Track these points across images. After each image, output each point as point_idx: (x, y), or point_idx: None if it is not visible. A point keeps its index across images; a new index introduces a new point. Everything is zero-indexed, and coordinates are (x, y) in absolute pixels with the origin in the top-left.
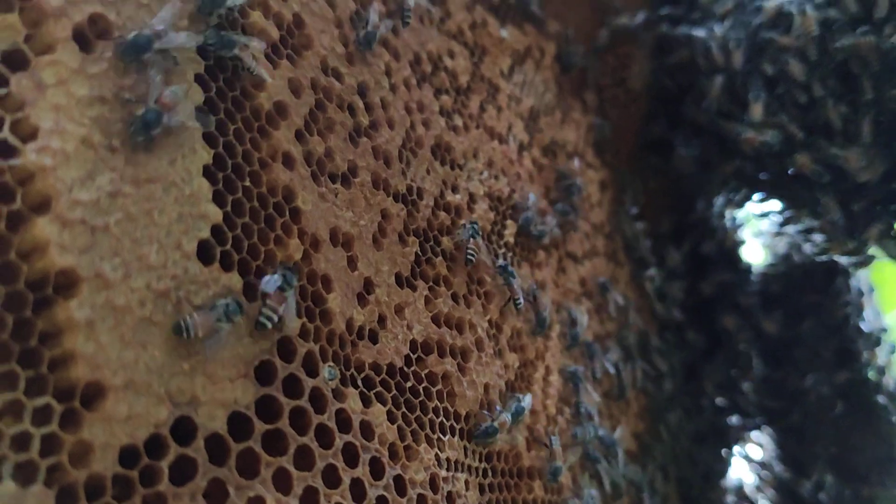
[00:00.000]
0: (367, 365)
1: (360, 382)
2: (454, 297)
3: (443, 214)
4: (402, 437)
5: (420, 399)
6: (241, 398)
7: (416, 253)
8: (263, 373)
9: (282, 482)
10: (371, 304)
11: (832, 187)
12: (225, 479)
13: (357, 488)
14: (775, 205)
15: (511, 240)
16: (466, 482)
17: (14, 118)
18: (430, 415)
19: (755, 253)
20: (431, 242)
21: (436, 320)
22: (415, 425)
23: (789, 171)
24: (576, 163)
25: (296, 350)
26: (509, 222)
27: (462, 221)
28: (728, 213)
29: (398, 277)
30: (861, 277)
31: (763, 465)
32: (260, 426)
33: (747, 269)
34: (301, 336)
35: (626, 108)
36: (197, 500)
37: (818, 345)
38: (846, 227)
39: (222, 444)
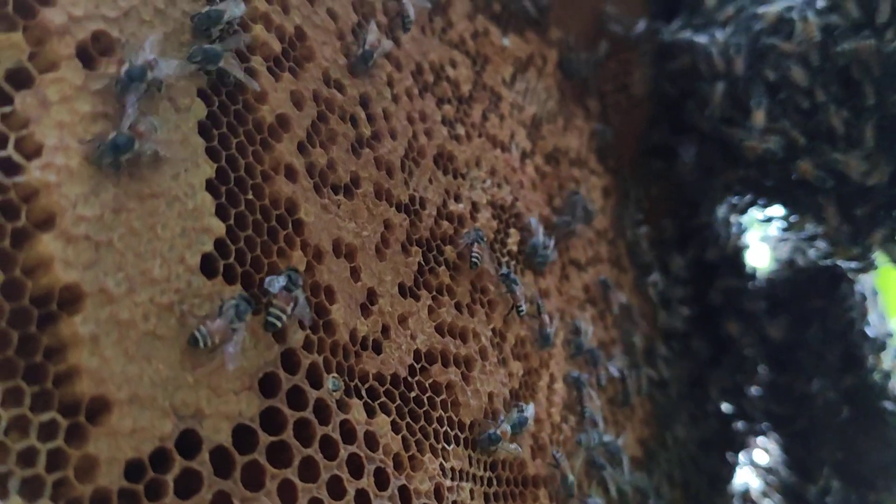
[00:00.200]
0: (371, 375)
1: (364, 393)
2: (457, 307)
3: (445, 224)
4: (406, 448)
5: (424, 409)
6: (245, 410)
7: (419, 263)
8: (268, 385)
9: (287, 494)
10: (374, 314)
11: (835, 192)
12: (230, 492)
13: (362, 499)
14: (778, 210)
15: (514, 248)
16: (471, 491)
17: (18, 135)
18: (435, 424)
19: (760, 257)
20: (434, 252)
21: (439, 330)
22: (419, 435)
23: (792, 177)
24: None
25: (300, 362)
26: (512, 230)
27: (465, 230)
28: (732, 219)
29: (401, 287)
30: (865, 282)
31: (769, 470)
32: (265, 438)
33: (752, 274)
34: (305, 347)
35: (629, 113)
36: None
37: (823, 349)
38: (850, 233)
39: (227, 456)
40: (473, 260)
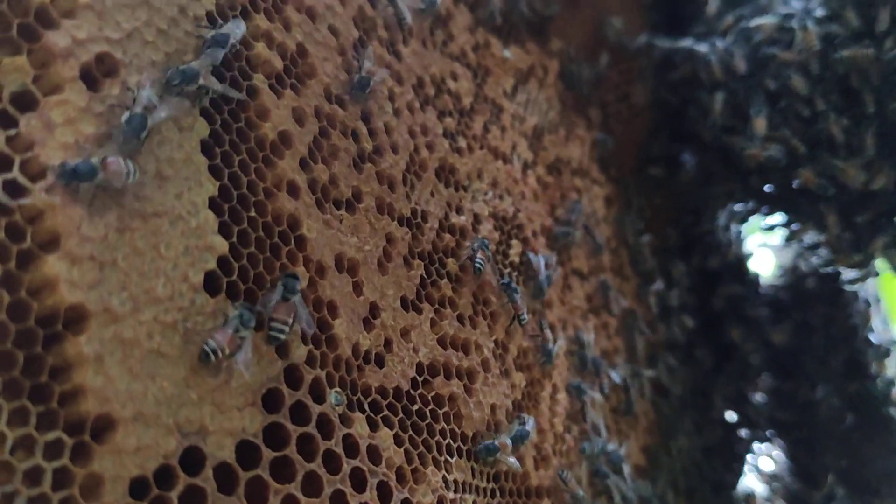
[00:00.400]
0: (373, 389)
1: (366, 407)
2: (460, 319)
3: (447, 236)
4: (409, 461)
5: (427, 421)
6: (248, 426)
7: (421, 276)
8: (271, 400)
9: None
10: (377, 328)
11: (836, 200)
12: None
13: None
14: (780, 218)
15: (516, 259)
16: (474, 503)
17: (24, 157)
18: (437, 437)
19: (763, 264)
20: (436, 265)
21: (442, 342)
22: (422, 448)
23: (794, 185)
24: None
25: (302, 377)
26: (514, 241)
27: (466, 243)
28: (734, 227)
29: (404, 301)
30: (868, 288)
31: (774, 476)
32: (268, 454)
33: (755, 281)
34: (307, 363)
35: (631, 122)
36: None
37: (827, 356)
38: (852, 240)
39: (231, 472)
40: (477, 265)
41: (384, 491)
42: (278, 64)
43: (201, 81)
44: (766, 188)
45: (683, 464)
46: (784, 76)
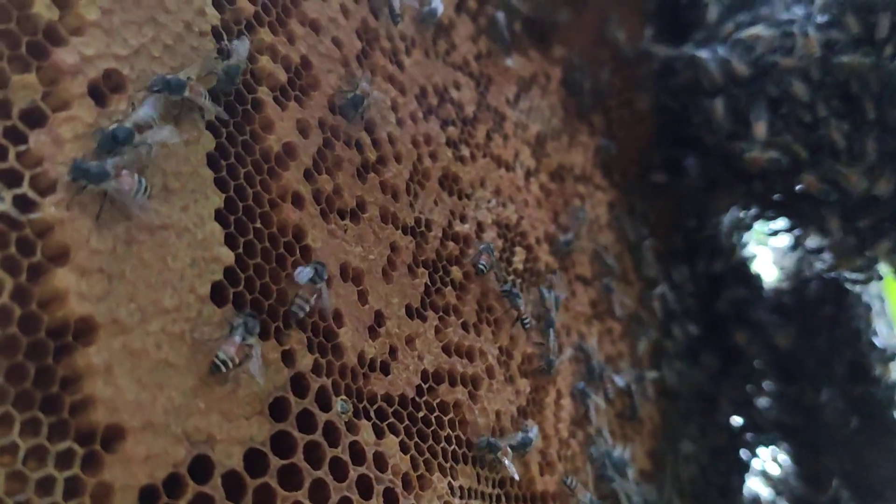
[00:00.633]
0: (379, 396)
1: (372, 414)
2: (464, 326)
3: (451, 244)
4: (415, 467)
5: (432, 428)
6: (256, 435)
7: (425, 284)
8: (278, 409)
9: None
10: (382, 336)
11: (839, 205)
12: None
13: None
14: (783, 223)
15: (520, 266)
16: None
17: (33, 173)
18: (443, 443)
19: (767, 268)
20: (441, 273)
21: (446, 349)
22: (427, 454)
23: (796, 190)
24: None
25: (309, 385)
26: (518, 249)
27: (471, 250)
28: (736, 230)
29: (408, 309)
30: (872, 292)
31: (779, 480)
32: (275, 462)
33: (759, 284)
34: (314, 371)
35: (634, 128)
36: None
37: (832, 359)
38: (854, 244)
39: (239, 480)
40: (480, 267)
41: (390, 498)
42: (282, 76)
43: (187, 94)
44: (769, 193)
45: (689, 468)
46: (785, 82)
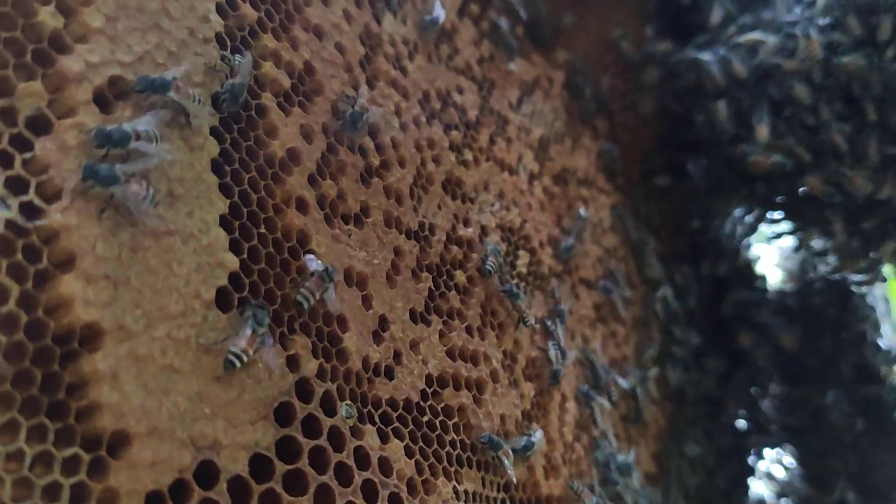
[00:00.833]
0: (383, 401)
1: (377, 419)
2: (468, 330)
3: (455, 248)
4: (419, 472)
5: (437, 433)
6: (261, 440)
7: (429, 288)
8: (283, 414)
9: None
10: (386, 340)
11: (843, 207)
12: None
13: None
14: (786, 225)
15: (524, 270)
16: None
17: (39, 180)
18: (447, 448)
19: (771, 269)
20: (444, 277)
21: (450, 354)
22: (432, 459)
23: (799, 192)
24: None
25: (313, 390)
26: (521, 252)
27: (474, 254)
28: (739, 231)
29: (412, 313)
30: (877, 293)
31: (785, 483)
32: (280, 467)
33: (764, 287)
34: (318, 376)
35: (637, 131)
36: None
37: (837, 361)
38: (859, 246)
39: (245, 485)
40: (487, 268)
41: (395, 502)
42: (286, 82)
43: (171, 94)
44: (773, 195)
45: (695, 470)
46: (787, 85)
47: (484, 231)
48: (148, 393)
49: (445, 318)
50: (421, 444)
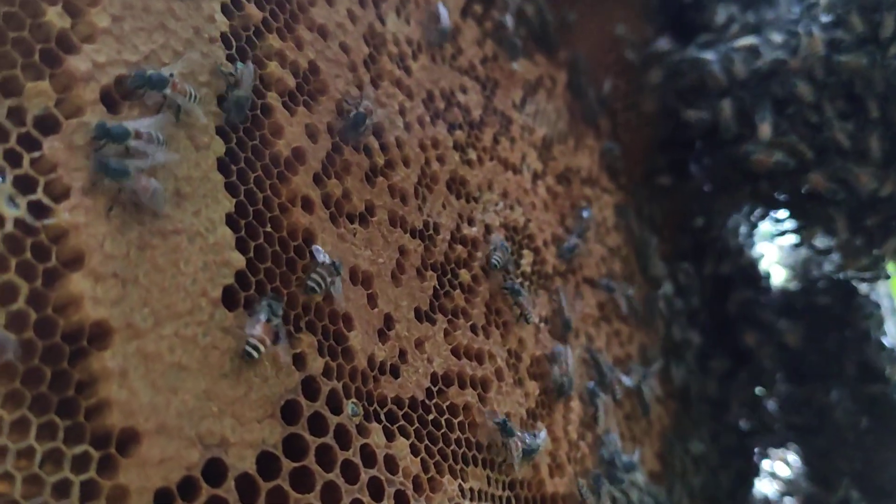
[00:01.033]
0: (389, 399)
1: (383, 417)
2: (473, 329)
3: (459, 247)
4: (425, 470)
5: (442, 431)
6: (268, 438)
7: (434, 287)
8: (289, 412)
9: None
10: (392, 339)
11: (846, 204)
12: None
13: None
14: (790, 223)
15: (528, 269)
16: None
17: (47, 179)
18: (453, 446)
19: (774, 267)
20: (449, 276)
21: (455, 352)
22: (437, 457)
23: (802, 190)
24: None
25: (320, 389)
26: (525, 252)
27: (479, 253)
28: (743, 230)
29: (417, 312)
30: (881, 291)
31: (789, 480)
32: (287, 464)
33: (767, 285)
34: (324, 374)
35: (640, 131)
36: None
37: (841, 359)
38: (862, 244)
39: (252, 483)
40: (494, 262)
41: (401, 500)
42: (291, 82)
43: (167, 91)
44: (776, 193)
45: (699, 469)
46: (790, 83)
47: (488, 230)
48: (156, 391)
49: (450, 316)
50: (426, 442)
